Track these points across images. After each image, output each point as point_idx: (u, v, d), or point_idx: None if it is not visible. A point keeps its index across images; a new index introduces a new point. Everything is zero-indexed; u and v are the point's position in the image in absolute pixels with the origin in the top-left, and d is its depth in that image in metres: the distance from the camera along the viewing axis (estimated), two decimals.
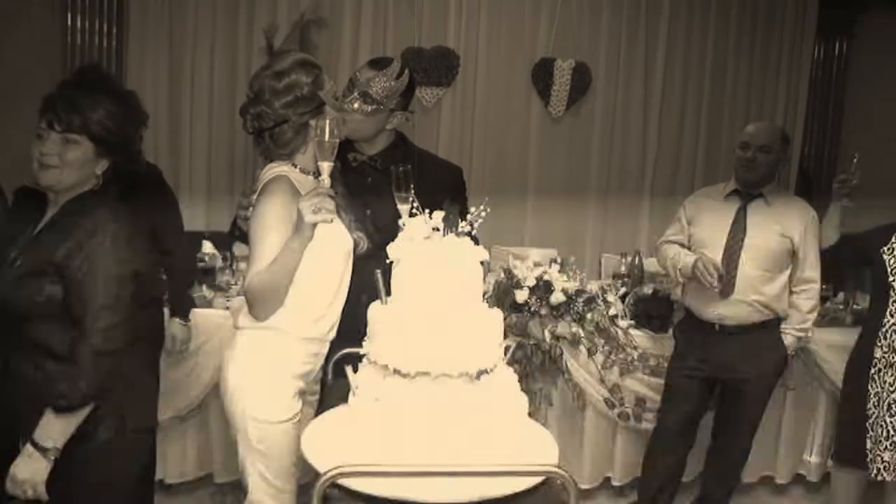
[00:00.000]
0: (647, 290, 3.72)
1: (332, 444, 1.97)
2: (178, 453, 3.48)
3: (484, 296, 2.89)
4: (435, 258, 1.88)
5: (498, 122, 5.10)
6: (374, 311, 1.95)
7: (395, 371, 1.87)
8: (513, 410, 1.93)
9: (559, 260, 3.71)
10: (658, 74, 5.20)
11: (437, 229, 1.93)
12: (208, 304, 3.38)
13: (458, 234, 1.91)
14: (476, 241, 2.00)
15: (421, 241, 1.91)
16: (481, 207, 1.97)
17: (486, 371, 1.90)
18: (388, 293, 1.98)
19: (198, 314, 3.34)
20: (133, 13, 4.59)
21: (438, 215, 1.93)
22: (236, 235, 2.45)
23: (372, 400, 1.89)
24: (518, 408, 1.95)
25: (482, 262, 1.96)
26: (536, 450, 1.98)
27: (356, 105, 2.40)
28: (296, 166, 2.21)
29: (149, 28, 4.61)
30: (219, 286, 3.53)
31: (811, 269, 3.21)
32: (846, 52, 5.43)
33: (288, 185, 2.11)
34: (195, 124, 4.75)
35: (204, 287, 3.47)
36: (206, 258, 3.54)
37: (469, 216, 1.94)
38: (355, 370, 2.00)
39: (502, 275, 3.53)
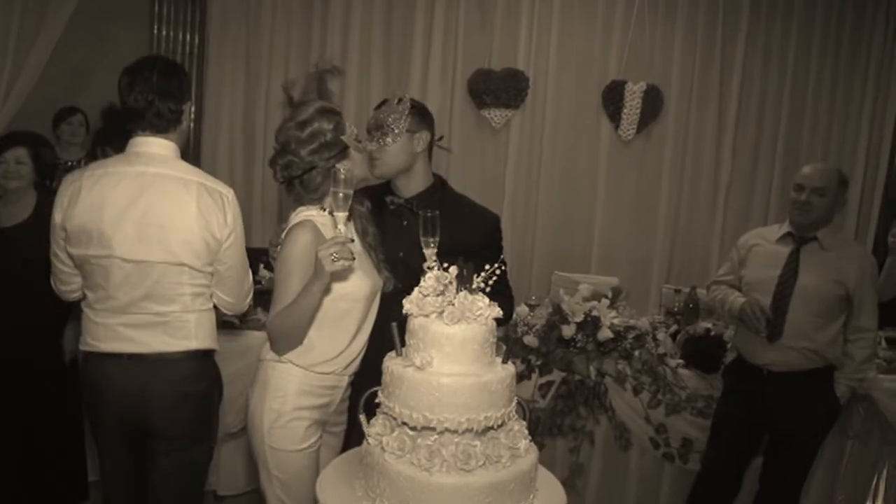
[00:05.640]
0: (700, 328, 3.62)
1: (343, 487, 2.05)
2: (230, 467, 3.63)
3: (531, 329, 2.99)
4: (446, 315, 1.92)
5: (567, 145, 5.02)
6: (388, 362, 2.00)
7: (403, 423, 1.92)
8: (519, 464, 1.95)
9: (610, 295, 3.66)
10: (733, 99, 4.99)
11: (452, 283, 1.96)
12: (262, 326, 3.47)
13: (471, 291, 1.94)
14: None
15: (434, 297, 1.95)
16: (496, 265, 1.98)
17: (491, 427, 1.93)
18: (403, 344, 2.03)
19: (252, 336, 3.48)
20: (213, 27, 4.81)
21: (454, 270, 1.97)
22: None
23: (380, 448, 1.95)
24: (525, 463, 1.97)
25: (496, 320, 1.98)
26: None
27: (372, 141, 2.47)
28: (324, 209, 2.29)
29: (227, 44, 4.83)
30: None
31: (867, 318, 3.06)
32: None
33: (312, 229, 2.20)
34: (268, 138, 4.85)
35: (259, 310, 3.57)
36: (263, 281, 3.63)
37: (483, 273, 1.96)
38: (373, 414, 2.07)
39: (550, 308, 3.52)
